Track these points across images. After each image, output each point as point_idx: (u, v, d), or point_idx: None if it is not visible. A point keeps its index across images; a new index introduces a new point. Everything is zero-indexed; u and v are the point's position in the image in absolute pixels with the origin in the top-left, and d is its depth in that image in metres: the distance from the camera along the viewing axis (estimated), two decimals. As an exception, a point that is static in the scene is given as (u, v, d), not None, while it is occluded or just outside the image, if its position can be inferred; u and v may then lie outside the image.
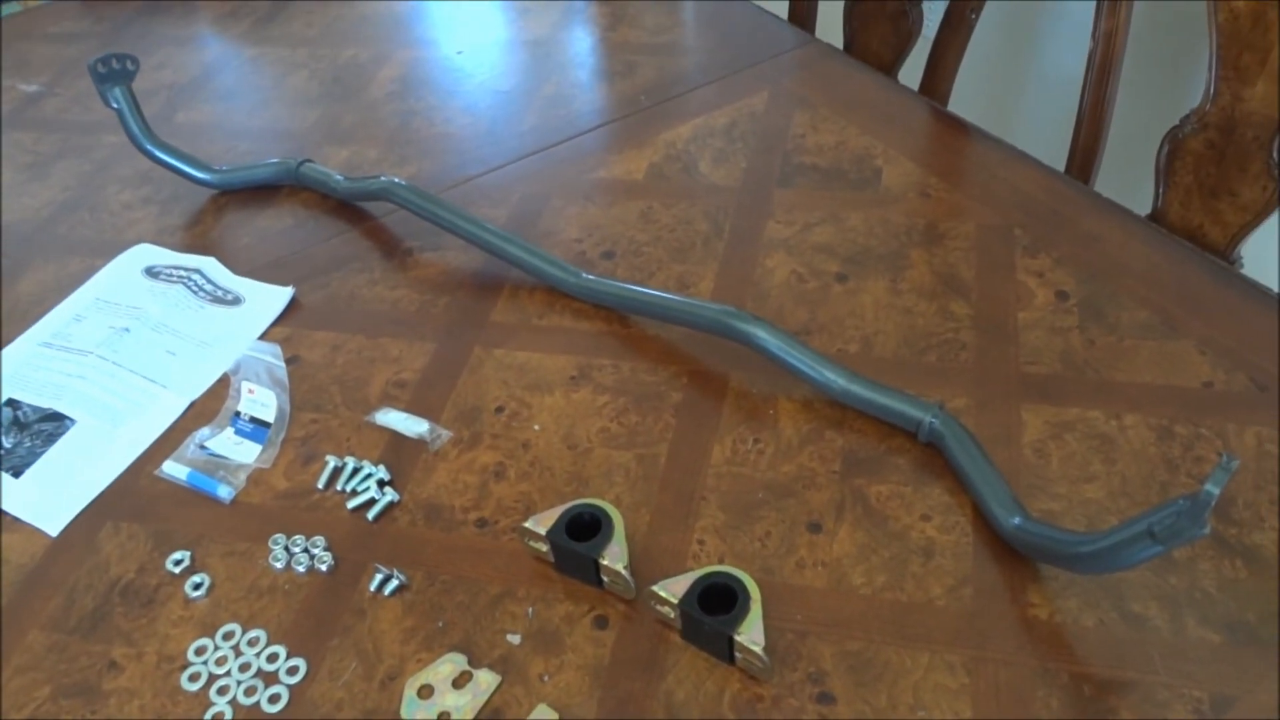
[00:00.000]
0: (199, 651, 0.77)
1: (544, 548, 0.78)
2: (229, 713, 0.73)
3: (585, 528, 0.77)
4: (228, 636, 0.77)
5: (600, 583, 0.77)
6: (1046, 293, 0.98)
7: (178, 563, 0.82)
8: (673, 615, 0.74)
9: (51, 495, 0.88)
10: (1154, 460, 0.84)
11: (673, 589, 0.73)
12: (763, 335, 0.89)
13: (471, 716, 0.71)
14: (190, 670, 0.76)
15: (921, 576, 0.77)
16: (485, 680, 0.73)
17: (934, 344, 0.94)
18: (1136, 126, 1.39)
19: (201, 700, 0.74)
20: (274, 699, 0.74)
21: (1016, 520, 0.77)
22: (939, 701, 0.70)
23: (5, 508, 0.87)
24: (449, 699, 0.73)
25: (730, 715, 0.71)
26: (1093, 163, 1.35)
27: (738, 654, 0.72)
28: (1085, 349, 0.92)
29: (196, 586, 0.80)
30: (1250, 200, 1.30)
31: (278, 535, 0.83)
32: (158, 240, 1.13)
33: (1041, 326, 0.95)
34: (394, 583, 0.79)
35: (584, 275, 0.99)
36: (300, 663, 0.75)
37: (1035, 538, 0.75)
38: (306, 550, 0.82)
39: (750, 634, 0.70)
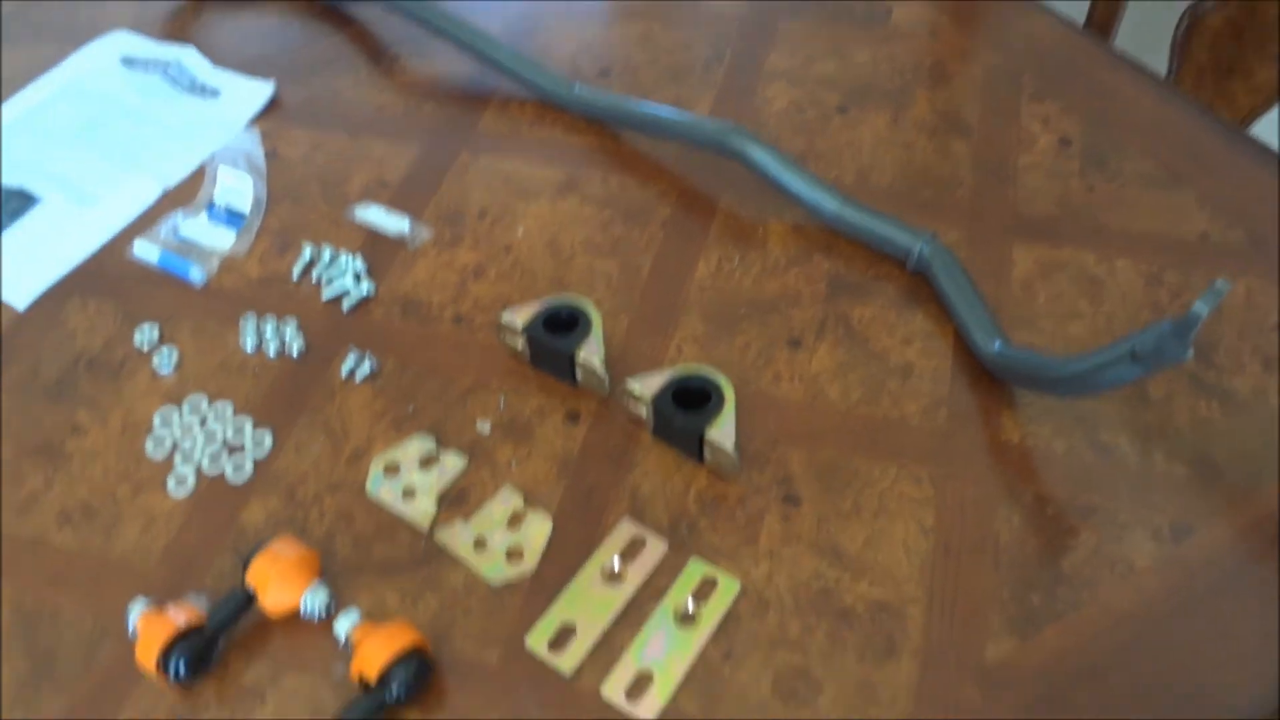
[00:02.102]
0: (164, 420, 0.76)
1: (520, 343, 0.77)
2: (191, 479, 0.73)
3: (563, 324, 0.76)
4: (194, 408, 0.77)
5: (574, 380, 0.76)
6: (1050, 138, 0.95)
7: (145, 336, 0.81)
8: (645, 412, 0.73)
9: (17, 269, 0.86)
10: (1140, 304, 0.83)
11: (647, 384, 0.72)
12: (758, 152, 0.87)
13: (437, 494, 0.71)
14: (154, 436, 0.75)
15: (898, 395, 0.77)
16: (452, 462, 0.73)
17: (930, 180, 0.92)
18: (1158, 5, 1.35)
19: (165, 466, 0.74)
20: (238, 469, 0.73)
21: (997, 345, 0.76)
22: (903, 509, 0.70)
23: (-30, 277, 0.85)
24: (415, 477, 0.72)
25: (694, 509, 0.71)
26: (1110, 29, 1.31)
27: (707, 452, 0.71)
28: (1084, 194, 0.90)
29: (164, 361, 0.79)
30: (1264, 81, 1.27)
31: (249, 316, 0.82)
32: (135, 28, 1.09)
33: (1041, 170, 0.93)
34: (366, 367, 0.78)
35: (576, 87, 0.96)
36: (266, 435, 0.75)
37: (1016, 361, 0.75)
38: (278, 332, 0.80)
39: (721, 431, 0.70)
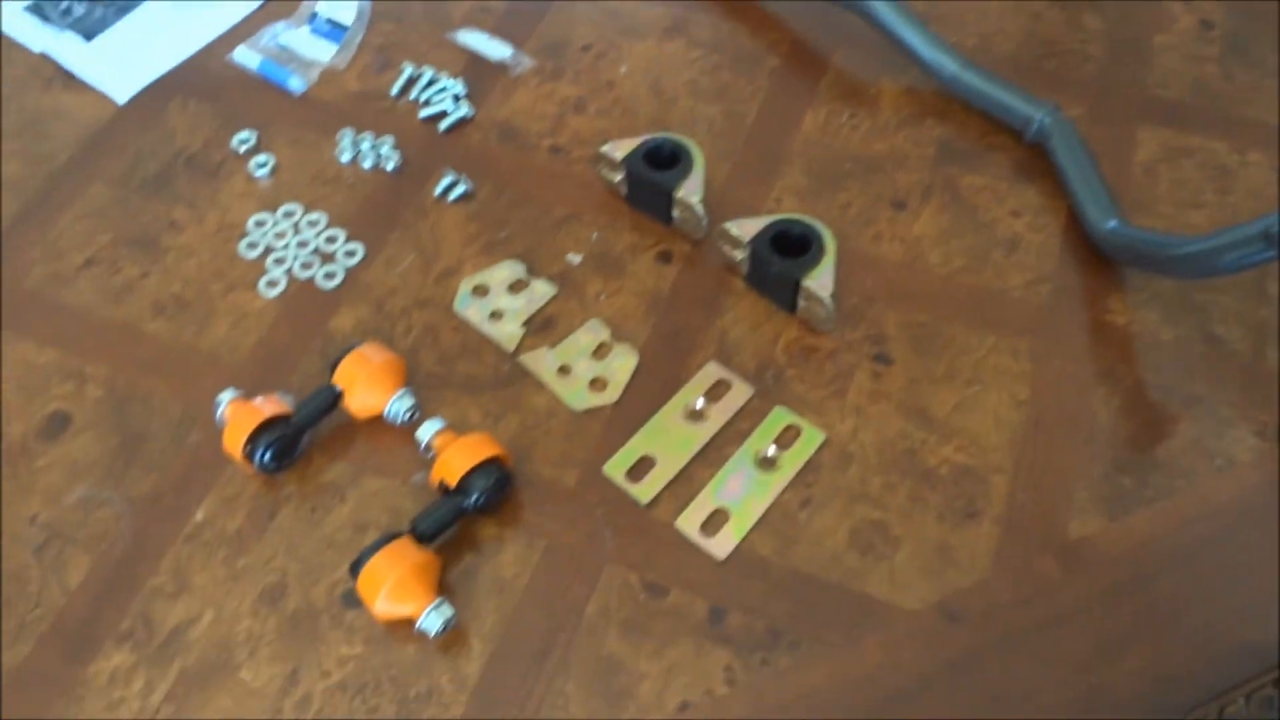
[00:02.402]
0: (259, 224, 0.76)
1: (617, 177, 0.75)
2: (284, 282, 0.73)
3: (664, 161, 0.74)
4: (288, 215, 0.77)
5: (669, 219, 0.75)
6: (1191, 20, 0.89)
7: (243, 142, 0.80)
8: (740, 258, 0.72)
9: (120, 63, 0.86)
10: (1270, 200, 0.78)
11: (746, 228, 0.71)
12: (881, 5, 0.82)
13: (524, 319, 0.71)
14: (249, 239, 0.75)
15: (1002, 266, 0.74)
16: (541, 289, 0.72)
17: (1057, 51, 0.87)
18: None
19: (258, 268, 0.74)
20: (329, 276, 0.73)
21: (1113, 223, 0.72)
22: (997, 380, 0.69)
23: (73, 68, 0.85)
24: (503, 301, 0.72)
25: (782, 359, 0.69)
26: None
27: (801, 302, 0.70)
28: (1221, 81, 0.85)
29: (261, 166, 0.79)
30: None
31: (346, 129, 0.81)
32: None
33: (1178, 52, 0.87)
34: (461, 188, 0.77)
35: (693, -75, 0.92)
36: (359, 247, 0.75)
37: (1132, 240, 0.71)
38: (374, 148, 0.79)
39: (819, 280, 0.68)
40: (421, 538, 0.60)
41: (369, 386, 0.64)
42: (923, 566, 0.61)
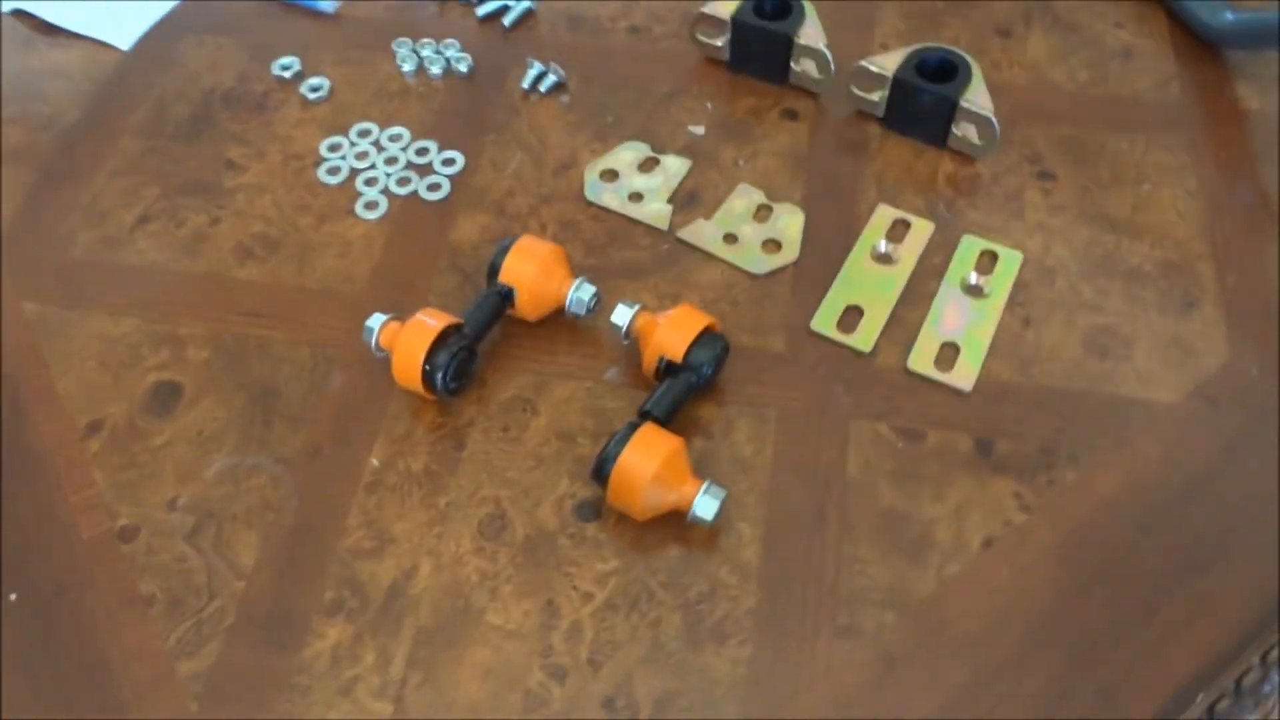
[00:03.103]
0: (333, 148, 0.67)
1: (720, 40, 0.69)
2: (383, 202, 0.64)
3: (773, 13, 0.69)
4: (364, 134, 0.68)
5: (783, 77, 0.69)
6: None
7: (286, 68, 0.70)
8: (877, 98, 0.67)
9: (115, 8, 0.74)
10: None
11: (887, 61, 0.66)
12: None
13: (667, 196, 0.64)
14: (327, 165, 0.66)
15: (1125, 73, 0.72)
16: (674, 165, 0.66)
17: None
18: None
19: (348, 192, 0.65)
20: (433, 188, 0.65)
21: (1229, 15, 0.71)
22: (1163, 176, 0.66)
23: (59, 21, 0.73)
24: (637, 181, 0.65)
25: (948, 191, 0.65)
26: None
27: (956, 130, 0.65)
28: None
29: (314, 90, 0.69)
30: None
31: (401, 40, 0.72)
32: None
33: None
34: (552, 79, 0.69)
35: None
36: (456, 155, 0.66)
37: (1255, 24, 0.70)
38: (439, 53, 0.71)
39: (977, 98, 0.64)
40: (659, 424, 0.53)
41: (543, 279, 0.57)
42: (1164, 359, 0.58)
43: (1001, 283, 0.61)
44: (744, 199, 0.64)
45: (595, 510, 0.53)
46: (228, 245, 0.63)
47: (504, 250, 0.57)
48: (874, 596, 0.50)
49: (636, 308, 0.56)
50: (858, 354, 0.58)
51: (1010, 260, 0.62)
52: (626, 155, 0.66)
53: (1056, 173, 0.66)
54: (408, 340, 0.54)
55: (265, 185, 0.65)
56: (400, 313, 0.56)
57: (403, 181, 0.65)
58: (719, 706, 0.47)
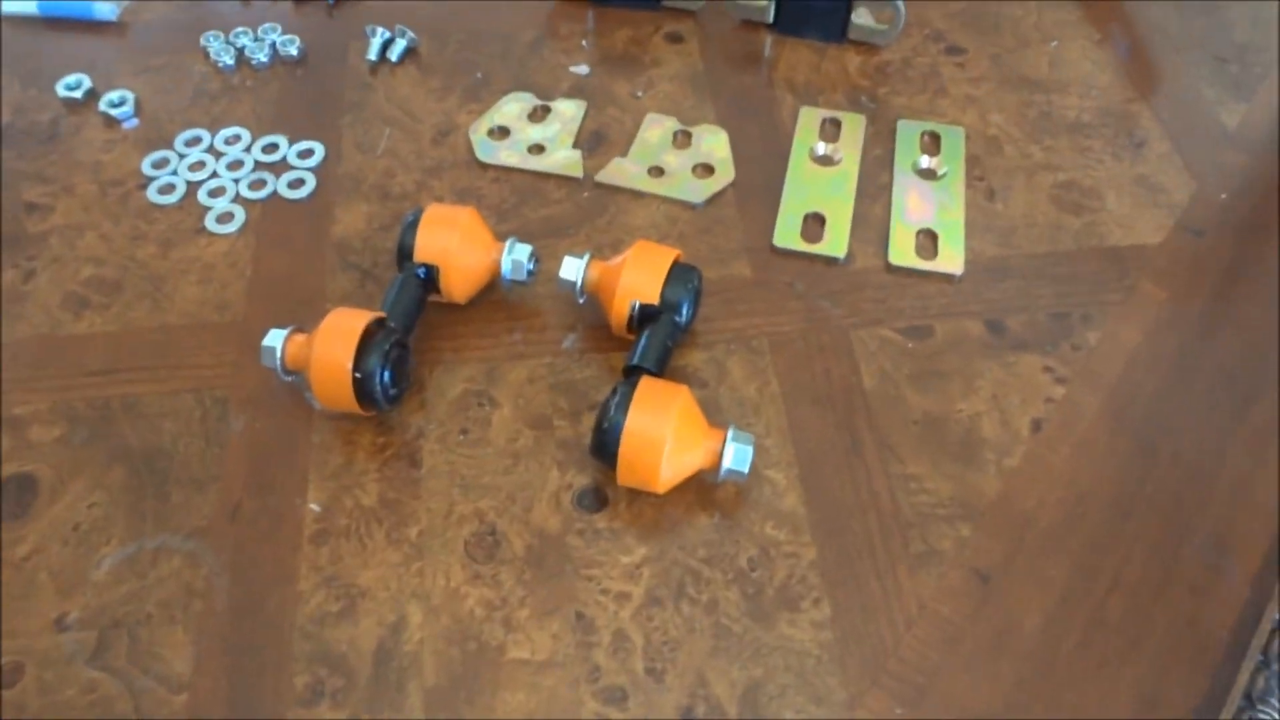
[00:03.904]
0: (159, 165, 0.55)
1: (579, -28, 0.62)
2: (238, 212, 0.53)
3: (627, -68, 0.62)
4: (192, 143, 0.56)
5: (655, 1, 0.63)
6: None
7: (73, 87, 0.58)
8: (764, 2, 0.61)
9: None
10: None
11: (768, -41, 0.60)
12: None
13: (571, 141, 0.56)
14: (156, 184, 0.54)
15: (992, -57, 0.69)
16: (568, 109, 0.58)
17: None
18: None
19: (190, 209, 0.53)
20: (296, 184, 0.54)
21: None
22: (1064, 31, 0.63)
23: None
24: (532, 133, 0.56)
25: (865, 83, 0.60)
26: None
27: (856, 19, 0.61)
28: None
29: (116, 105, 0.57)
30: None
31: (209, 34, 0.61)
32: None
33: None
34: (401, 45, 0.60)
35: None
36: (313, 145, 0.56)
37: None
38: (260, 39, 0.60)
39: (874, -22, 0.60)
40: (656, 375, 0.44)
41: (467, 248, 0.47)
42: (1135, 201, 0.55)
43: (953, 160, 0.56)
44: (658, 128, 0.57)
45: (599, 497, 0.44)
46: (53, 299, 0.50)
47: (412, 225, 0.47)
48: (940, 512, 0.44)
49: (587, 256, 0.47)
50: (832, 261, 0.52)
51: (953, 137, 0.57)
52: (512, 108, 0.58)
53: (964, 45, 0.62)
54: (325, 349, 0.43)
55: (83, 222, 0.53)
56: (301, 324, 0.46)
57: (256, 185, 0.54)
58: (817, 682, 0.39)
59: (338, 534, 0.43)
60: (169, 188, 0.54)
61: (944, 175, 0.55)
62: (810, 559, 0.42)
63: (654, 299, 0.45)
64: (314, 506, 0.44)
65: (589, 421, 0.46)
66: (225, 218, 0.53)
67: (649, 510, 0.44)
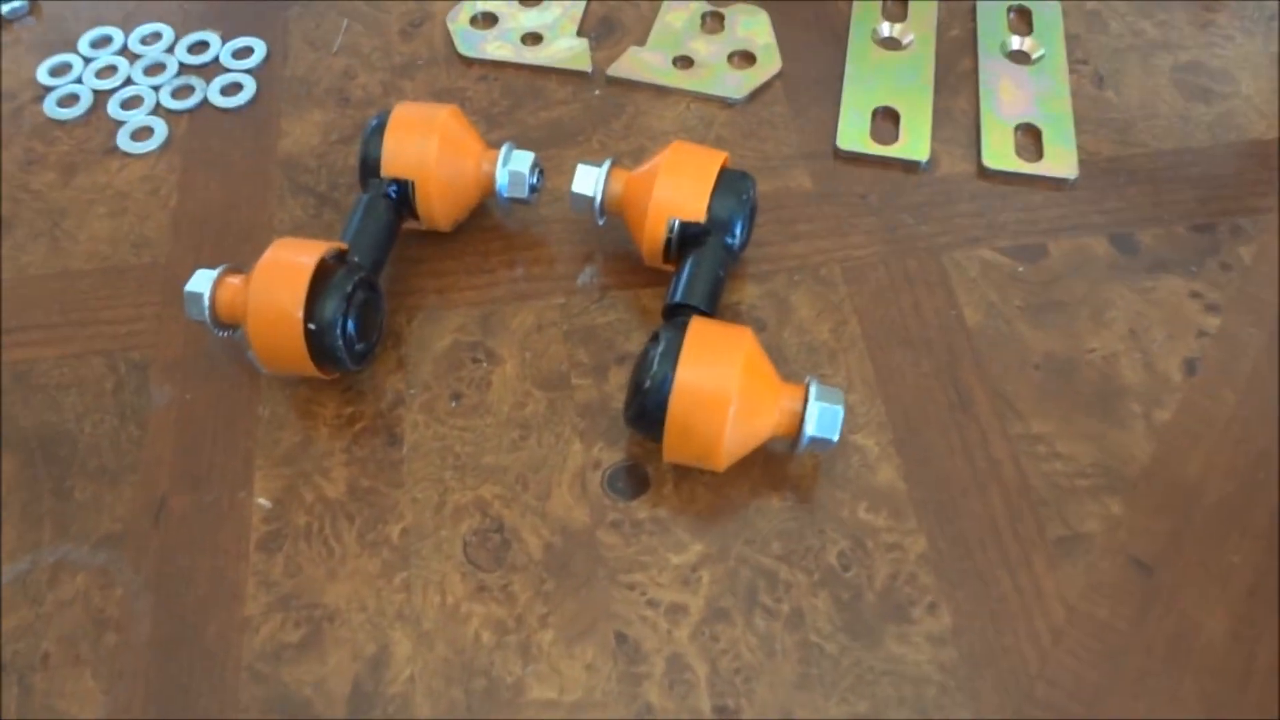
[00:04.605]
0: (59, 71, 0.44)
1: None
2: (160, 126, 0.42)
3: None
4: (100, 44, 0.45)
5: None
6: None
7: (-53, -22, 0.47)
8: None
9: None
10: None
11: None
12: None
13: (575, 26, 0.45)
14: (56, 95, 0.43)
15: None
16: (570, -13, 0.47)
17: None
18: None
19: (99, 125, 0.42)
20: (231, 90, 0.43)
21: None
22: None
23: None
24: (526, 19, 0.45)
25: (935, -51, 0.49)
26: None
27: None
28: None
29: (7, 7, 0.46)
30: None
31: (117, -92, 0.49)
32: None
33: None
34: (357, -86, 0.49)
35: None
36: (252, 42, 0.45)
37: None
38: (180, -86, 0.49)
39: None
40: (709, 315, 0.34)
41: (452, 155, 0.36)
42: (1275, 86, 0.44)
43: (1050, 40, 0.45)
44: (681, 9, 0.46)
45: (637, 477, 0.34)
46: (-80, 242, 0.39)
47: (376, 130, 0.36)
48: (1081, 483, 0.34)
49: (607, 164, 0.37)
50: (912, 167, 0.41)
51: (1048, 12, 0.46)
52: (499, -11, 0.47)
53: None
54: (268, 293, 0.32)
55: (-40, 143, 0.42)
56: (238, 263, 0.35)
57: (181, 92, 0.43)
58: (942, 713, 0.30)
59: (295, 536, 0.33)
60: (71, 99, 0.43)
61: (1040, 58, 0.44)
62: (919, 551, 0.32)
63: (699, 215, 0.35)
64: (262, 502, 0.33)
65: (618, 378, 0.36)
66: (142, 133, 0.42)
67: (703, 493, 0.33)
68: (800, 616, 0.31)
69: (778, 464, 0.34)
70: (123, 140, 0.41)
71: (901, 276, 0.38)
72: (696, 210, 0.35)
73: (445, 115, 0.37)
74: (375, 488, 0.34)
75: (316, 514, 0.33)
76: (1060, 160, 0.41)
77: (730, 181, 0.35)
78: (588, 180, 0.36)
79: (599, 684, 0.30)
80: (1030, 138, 0.42)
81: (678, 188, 0.35)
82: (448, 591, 0.32)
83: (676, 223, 0.35)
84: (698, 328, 0.32)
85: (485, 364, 0.36)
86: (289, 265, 0.33)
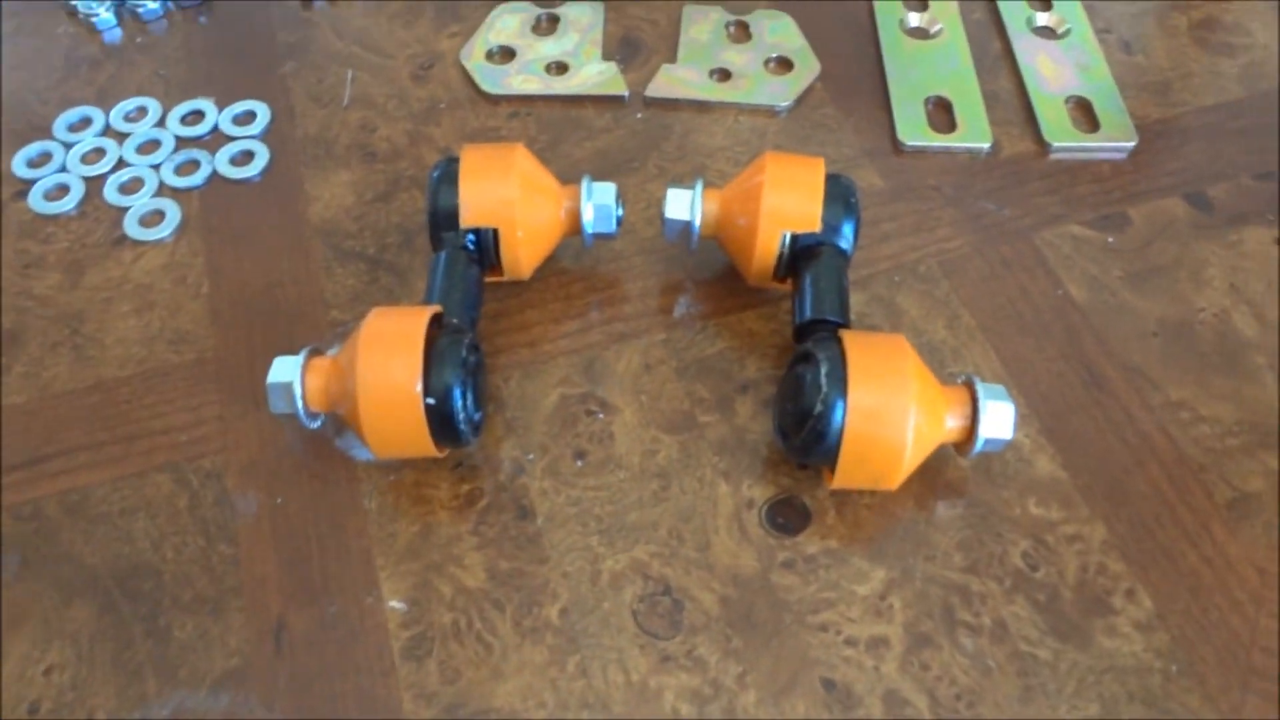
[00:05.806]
0: (38, 163, 0.39)
1: None
2: (170, 208, 0.37)
3: None
4: (79, 126, 0.40)
5: None
6: None
7: (-118, 75, 0.41)
8: None
9: None
10: None
11: None
12: None
13: (598, 52, 0.43)
14: (41, 188, 0.38)
15: None
16: (582, 14, 0.44)
17: None
18: None
19: (99, 215, 0.37)
20: (241, 160, 0.39)
21: None
22: None
23: None
24: (545, 49, 0.43)
25: (930, -63, 0.49)
26: None
27: None
28: None
29: (-47, 90, 0.41)
30: None
31: (65, -20, 0.45)
32: None
33: None
34: (336, -41, 0.45)
35: None
36: (252, 106, 0.41)
37: None
38: (138, -20, 0.44)
39: None
40: (847, 325, 0.32)
41: (535, 199, 0.33)
42: (1287, 26, 0.45)
43: (1071, 11, 0.45)
44: (703, 21, 0.44)
45: (798, 509, 0.31)
46: (-76, 372, 0.34)
47: (444, 179, 0.33)
48: (1232, 443, 0.33)
49: (699, 184, 0.34)
50: (975, 153, 0.40)
51: (1063, -13, 0.46)
52: (509, 22, 0.44)
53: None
54: (379, 369, 0.29)
55: (-59, 258, 0.37)
56: (313, 345, 0.32)
57: (186, 168, 0.39)
58: (1174, 705, 0.28)
59: (442, 637, 0.29)
60: (60, 190, 0.38)
61: (1067, 31, 0.44)
62: (1101, 538, 0.31)
63: (813, 225, 0.33)
64: (396, 604, 0.30)
65: (746, 409, 0.33)
66: (151, 218, 0.37)
67: (868, 515, 0.31)
68: (1004, 627, 0.29)
69: (929, 471, 0.32)
70: (130, 228, 0.37)
71: (999, 263, 0.37)
72: (810, 221, 0.33)
73: (519, 155, 0.34)
74: (519, 568, 0.30)
75: (460, 608, 0.30)
76: (1117, 128, 0.41)
77: (835, 188, 0.34)
78: (681, 204, 0.34)
79: (821, 739, 0.28)
80: (1081, 111, 0.42)
81: (787, 200, 0.33)
82: (630, 669, 0.29)
83: (787, 236, 0.33)
84: (854, 341, 0.30)
85: (601, 415, 0.33)
86: (399, 335, 0.29)
